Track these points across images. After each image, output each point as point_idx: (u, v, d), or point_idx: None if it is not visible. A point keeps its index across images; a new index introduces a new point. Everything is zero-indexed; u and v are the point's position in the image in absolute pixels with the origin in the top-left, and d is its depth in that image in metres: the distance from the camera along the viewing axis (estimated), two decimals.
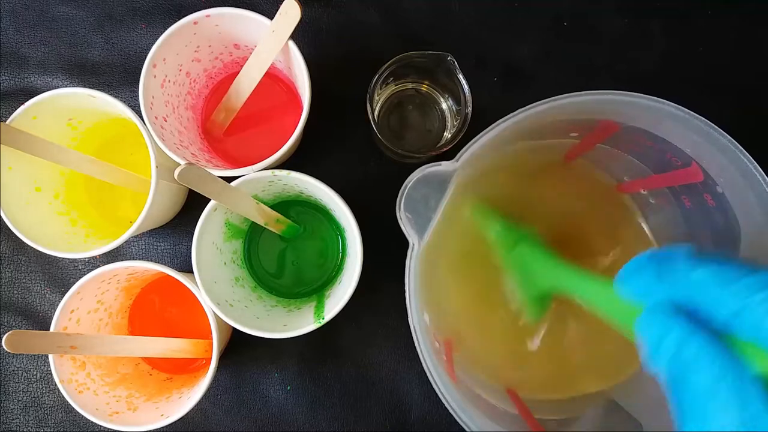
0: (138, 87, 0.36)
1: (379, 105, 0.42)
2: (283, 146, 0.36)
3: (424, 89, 0.43)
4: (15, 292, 0.45)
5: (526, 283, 0.35)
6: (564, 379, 0.38)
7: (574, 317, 0.38)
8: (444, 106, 0.43)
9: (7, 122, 0.35)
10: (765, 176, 0.28)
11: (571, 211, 0.39)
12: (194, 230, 0.36)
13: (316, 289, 0.44)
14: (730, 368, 0.18)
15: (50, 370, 0.36)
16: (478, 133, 0.29)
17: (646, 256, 0.23)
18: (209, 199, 0.35)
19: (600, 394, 0.37)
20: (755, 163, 0.28)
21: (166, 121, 0.38)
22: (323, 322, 0.36)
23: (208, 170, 0.32)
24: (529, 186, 0.39)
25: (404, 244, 0.30)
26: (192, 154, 0.39)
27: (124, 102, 0.36)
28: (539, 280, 0.34)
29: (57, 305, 0.36)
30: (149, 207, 0.36)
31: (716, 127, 0.29)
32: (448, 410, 0.29)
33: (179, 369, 0.44)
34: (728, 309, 0.19)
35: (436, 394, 0.29)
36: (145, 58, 0.36)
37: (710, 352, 0.19)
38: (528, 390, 0.37)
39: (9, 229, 0.36)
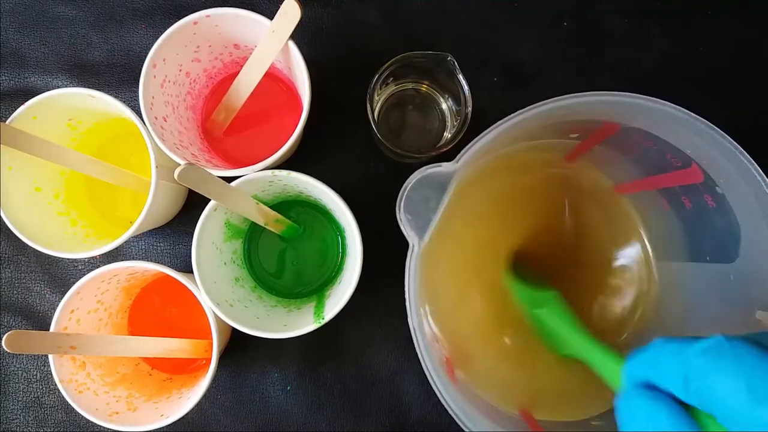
0: (138, 87, 0.36)
1: (379, 105, 0.42)
2: (283, 146, 0.36)
3: (424, 89, 0.43)
4: (15, 292, 0.45)
5: (548, 341, 0.35)
6: (576, 396, 0.37)
7: (592, 316, 0.38)
8: (444, 106, 0.43)
9: (7, 122, 0.35)
10: (765, 177, 0.28)
11: (572, 212, 0.39)
12: (194, 230, 0.36)
13: (316, 289, 0.44)
14: None
15: (50, 370, 0.36)
16: (478, 134, 0.29)
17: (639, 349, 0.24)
18: (209, 199, 0.35)
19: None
20: (755, 163, 0.28)
21: (166, 121, 0.38)
22: (323, 322, 0.36)
23: (208, 170, 0.32)
24: (530, 187, 0.39)
25: (404, 244, 0.30)
26: (192, 154, 0.39)
27: (124, 102, 0.36)
28: (560, 344, 0.34)
29: (57, 305, 0.36)
30: (149, 207, 0.36)
31: (716, 127, 0.29)
32: (447, 411, 0.29)
33: (179, 369, 0.44)
34: (679, 380, 0.20)
35: (436, 395, 0.29)
36: (145, 58, 0.36)
37: (671, 422, 0.20)
38: (537, 409, 0.36)
39: (9, 229, 0.36)
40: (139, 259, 0.43)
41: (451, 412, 0.29)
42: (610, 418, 0.35)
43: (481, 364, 0.38)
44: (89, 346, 0.35)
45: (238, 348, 0.44)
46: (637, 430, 0.21)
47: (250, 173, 0.36)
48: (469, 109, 0.38)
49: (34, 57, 0.46)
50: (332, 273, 0.44)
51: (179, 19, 0.36)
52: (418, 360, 0.29)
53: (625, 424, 0.22)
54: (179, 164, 0.30)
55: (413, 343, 0.29)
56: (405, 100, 0.44)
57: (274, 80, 0.44)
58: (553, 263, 0.39)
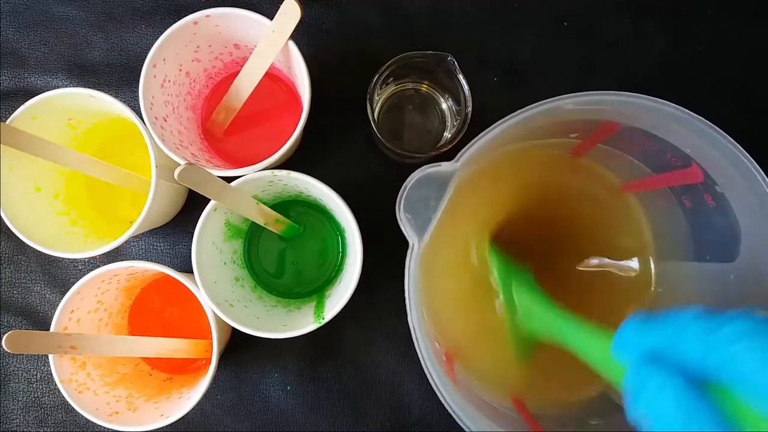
0: (138, 87, 0.36)
1: (379, 105, 0.42)
2: (283, 146, 0.36)
3: (424, 89, 0.43)
4: (15, 292, 0.45)
5: (522, 321, 0.35)
6: (568, 382, 0.38)
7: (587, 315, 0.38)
8: (444, 106, 0.43)
9: (7, 122, 0.35)
10: (765, 176, 0.28)
11: (572, 212, 0.39)
12: (194, 230, 0.36)
13: (316, 289, 0.44)
14: (703, 410, 0.19)
15: (50, 370, 0.36)
16: (478, 133, 0.29)
17: (634, 320, 0.24)
18: (209, 199, 0.35)
19: (601, 396, 0.37)
20: (755, 163, 0.28)
21: (166, 121, 0.38)
22: (323, 322, 0.36)
23: (208, 170, 0.32)
24: (529, 187, 0.39)
25: (404, 244, 0.30)
26: (192, 154, 0.39)
27: (124, 102, 0.36)
28: (533, 323, 0.34)
29: (57, 305, 0.36)
30: (149, 207, 0.36)
31: (716, 127, 0.29)
32: (447, 410, 0.29)
33: (179, 369, 0.44)
34: (710, 358, 0.20)
35: (436, 394, 0.29)
36: (145, 58, 0.36)
37: (685, 395, 0.20)
38: (532, 396, 0.36)
39: (9, 229, 0.36)
40: (139, 259, 0.43)
41: (451, 412, 0.29)
42: (603, 405, 0.35)
43: (479, 360, 0.38)
44: (89, 346, 0.35)
45: (238, 348, 0.44)
46: (650, 407, 0.21)
47: (250, 173, 0.36)
48: (469, 109, 0.38)
49: (34, 57, 0.46)
50: (332, 273, 0.44)
51: (179, 19, 0.36)
52: (418, 360, 0.29)
53: (638, 401, 0.22)
54: (179, 164, 0.30)
55: (413, 343, 0.29)
56: (405, 100, 0.44)
57: (274, 80, 0.44)
58: (553, 261, 0.39)
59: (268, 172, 0.36)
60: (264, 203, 0.39)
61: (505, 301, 0.36)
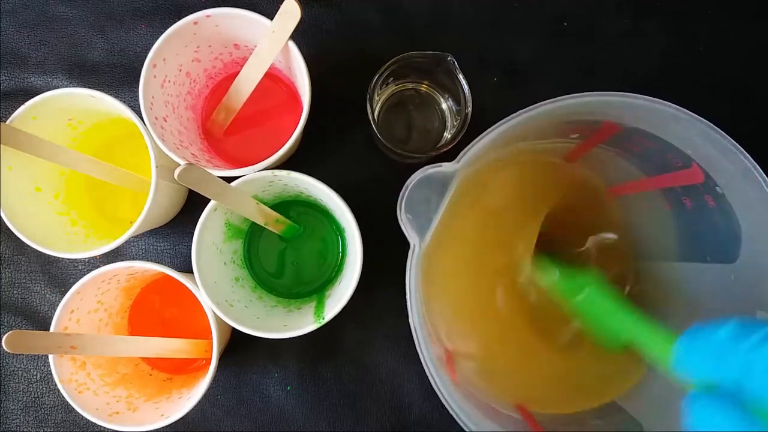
0: (138, 87, 0.36)
1: (379, 105, 0.42)
2: (283, 146, 0.36)
3: (424, 89, 0.43)
4: (15, 292, 0.45)
5: (598, 329, 0.34)
6: (572, 391, 0.37)
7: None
8: (444, 106, 0.43)
9: (7, 122, 0.35)
10: (765, 177, 0.28)
11: (572, 212, 0.39)
12: (194, 230, 0.36)
13: (316, 289, 0.44)
14: None
15: (50, 370, 0.36)
16: (478, 134, 0.29)
17: (699, 333, 0.25)
18: (209, 199, 0.35)
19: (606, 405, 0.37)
20: (755, 163, 0.28)
21: (166, 121, 0.38)
22: (323, 322, 0.36)
23: (208, 170, 0.32)
24: (530, 187, 0.39)
25: (404, 244, 0.30)
26: (192, 154, 0.39)
27: (124, 102, 0.36)
28: (610, 329, 0.33)
29: (57, 305, 0.36)
30: (149, 207, 0.36)
31: (716, 128, 0.29)
32: (448, 410, 0.29)
33: (179, 369, 0.44)
34: (743, 369, 0.21)
35: (436, 394, 0.29)
36: (145, 58, 0.36)
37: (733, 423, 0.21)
38: (533, 404, 0.36)
39: (9, 229, 0.36)
40: (139, 259, 0.43)
41: (451, 412, 0.29)
42: (608, 414, 0.35)
43: (480, 360, 0.38)
44: (89, 346, 0.35)
45: (238, 348, 0.44)
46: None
47: (250, 173, 0.36)
48: (469, 109, 0.38)
49: (34, 57, 0.46)
50: (332, 273, 0.44)
51: (179, 19, 0.36)
52: (418, 360, 0.29)
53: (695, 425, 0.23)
54: (179, 164, 0.30)
55: (413, 343, 0.29)
56: (405, 100, 0.44)
57: (274, 80, 0.44)
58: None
59: (268, 172, 0.36)
60: (264, 203, 0.39)
61: (572, 309, 0.35)
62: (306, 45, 0.45)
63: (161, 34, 0.36)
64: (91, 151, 0.42)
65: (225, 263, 0.40)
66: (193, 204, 0.45)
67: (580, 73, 0.45)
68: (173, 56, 0.38)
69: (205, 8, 0.36)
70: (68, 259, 0.41)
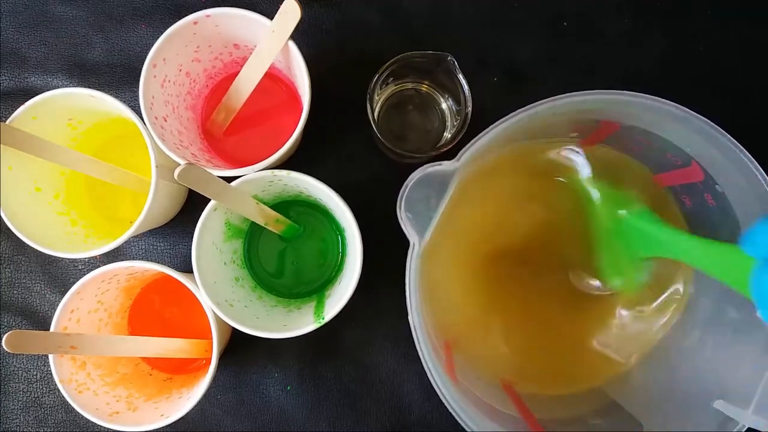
0: (138, 87, 0.36)
1: (379, 105, 0.42)
2: (283, 146, 0.36)
3: (424, 89, 0.43)
4: (15, 292, 0.45)
5: (631, 246, 0.35)
6: (563, 373, 0.38)
7: (581, 311, 0.39)
8: (444, 106, 0.43)
9: (7, 122, 0.35)
10: (765, 176, 0.28)
11: (572, 212, 0.39)
12: (194, 230, 0.36)
13: (316, 289, 0.44)
14: None
15: (50, 370, 0.36)
16: (478, 133, 0.29)
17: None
18: (209, 199, 0.35)
19: (598, 391, 0.37)
20: (755, 162, 0.28)
21: (166, 121, 0.38)
22: (323, 322, 0.36)
23: (208, 170, 0.32)
24: (530, 186, 0.39)
25: (404, 243, 0.30)
26: (192, 154, 0.39)
27: (124, 102, 0.36)
28: (649, 245, 0.34)
29: (57, 305, 0.36)
30: (149, 207, 0.36)
31: (716, 126, 0.29)
32: (448, 410, 0.29)
33: (179, 369, 0.44)
34: None
35: (436, 394, 0.29)
36: (145, 58, 0.36)
37: None
38: (525, 384, 0.37)
39: (9, 229, 0.36)
40: (139, 259, 0.43)
41: (452, 411, 0.29)
42: (608, 414, 0.35)
43: (478, 356, 0.38)
44: (89, 346, 0.35)
45: (238, 348, 0.44)
46: None
47: (250, 173, 0.36)
48: (469, 109, 0.38)
49: (34, 57, 0.46)
50: (332, 273, 0.44)
51: (179, 19, 0.36)
52: (418, 360, 0.29)
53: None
54: (179, 164, 0.30)
55: (413, 343, 0.29)
56: (405, 100, 0.44)
57: (274, 80, 0.44)
58: (552, 259, 0.39)
59: (268, 172, 0.36)
60: (264, 203, 0.39)
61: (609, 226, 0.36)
62: (306, 45, 0.45)
63: (161, 34, 0.36)
64: (91, 151, 0.42)
65: (225, 263, 0.40)
66: (193, 204, 0.45)
67: (580, 73, 0.45)
68: (173, 56, 0.38)
69: (205, 8, 0.36)
70: (68, 259, 0.41)
